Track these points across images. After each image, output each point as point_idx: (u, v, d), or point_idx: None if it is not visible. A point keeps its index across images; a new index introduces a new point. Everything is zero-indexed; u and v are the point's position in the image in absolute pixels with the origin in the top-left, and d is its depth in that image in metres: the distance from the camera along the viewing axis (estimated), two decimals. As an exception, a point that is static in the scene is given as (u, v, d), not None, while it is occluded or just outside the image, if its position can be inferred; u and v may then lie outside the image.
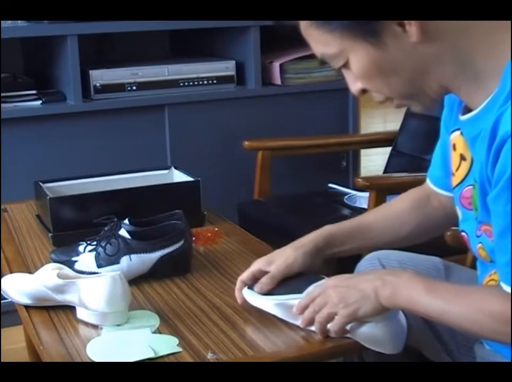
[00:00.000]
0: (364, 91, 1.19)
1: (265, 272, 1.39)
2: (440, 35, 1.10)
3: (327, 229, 1.46)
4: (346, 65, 1.16)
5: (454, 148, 1.28)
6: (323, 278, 1.35)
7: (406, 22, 1.07)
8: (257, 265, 1.42)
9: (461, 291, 1.17)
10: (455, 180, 1.29)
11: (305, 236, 1.45)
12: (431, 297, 1.16)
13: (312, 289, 1.31)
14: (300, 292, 1.31)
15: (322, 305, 1.25)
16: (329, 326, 1.25)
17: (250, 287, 1.39)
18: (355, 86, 1.19)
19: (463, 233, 1.30)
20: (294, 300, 1.31)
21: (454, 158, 1.29)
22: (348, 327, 1.25)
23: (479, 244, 1.22)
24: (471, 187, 1.22)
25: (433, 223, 1.49)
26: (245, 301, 1.39)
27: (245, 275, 1.42)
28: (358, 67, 1.14)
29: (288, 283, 1.37)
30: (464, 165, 1.24)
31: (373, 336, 1.24)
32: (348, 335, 1.26)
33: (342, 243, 1.45)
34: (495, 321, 1.09)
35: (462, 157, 1.25)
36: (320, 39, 1.15)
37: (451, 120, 1.32)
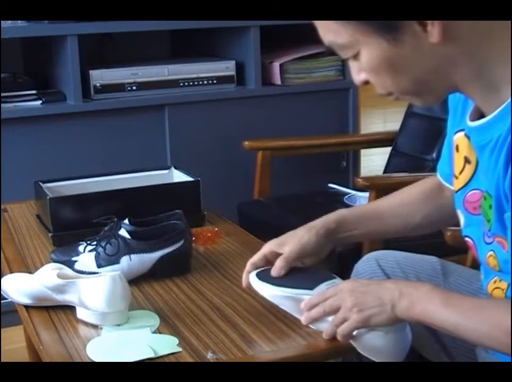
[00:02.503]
0: (366, 82, 1.16)
1: (277, 254, 1.38)
2: (460, 38, 1.07)
3: (339, 213, 1.45)
4: (355, 56, 1.12)
5: (457, 149, 1.27)
6: (335, 277, 1.34)
7: (428, 21, 1.04)
8: (269, 246, 1.40)
9: (478, 306, 1.15)
10: (458, 184, 1.27)
11: (317, 219, 1.44)
12: (448, 311, 1.14)
13: (324, 288, 1.29)
14: (311, 288, 1.30)
15: (334, 308, 1.23)
16: (338, 329, 1.23)
17: (259, 275, 1.37)
18: (358, 76, 1.16)
19: (467, 238, 1.28)
20: (304, 295, 1.29)
21: (458, 160, 1.27)
22: (354, 332, 1.22)
23: (490, 252, 1.20)
24: (477, 191, 1.20)
25: (445, 213, 1.46)
26: (249, 286, 1.38)
27: (256, 257, 1.40)
28: (368, 61, 1.11)
29: (299, 276, 1.36)
30: (469, 169, 1.22)
31: (377, 346, 1.23)
32: (352, 341, 1.24)
33: (353, 227, 1.44)
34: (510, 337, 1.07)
35: (467, 160, 1.22)
36: (331, 28, 1.10)
37: (455, 121, 1.30)
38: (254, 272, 1.38)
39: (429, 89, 1.14)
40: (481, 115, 1.15)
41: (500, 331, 1.08)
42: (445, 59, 1.08)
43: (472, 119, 1.17)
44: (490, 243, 1.19)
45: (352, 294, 1.22)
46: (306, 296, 1.29)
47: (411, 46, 1.07)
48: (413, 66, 1.10)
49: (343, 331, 1.22)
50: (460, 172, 1.26)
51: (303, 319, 1.28)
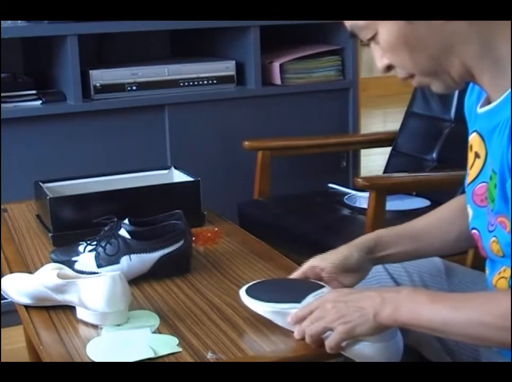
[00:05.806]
0: (389, 68, 1.22)
1: (316, 270, 1.40)
2: None
3: (376, 232, 1.46)
4: (374, 37, 1.19)
5: (471, 149, 1.30)
6: (324, 286, 1.34)
7: None
8: (310, 263, 1.42)
9: (467, 297, 1.15)
10: (468, 179, 1.31)
11: (356, 239, 1.45)
12: (435, 307, 1.14)
13: (310, 300, 1.29)
14: (298, 301, 1.29)
15: (319, 319, 1.23)
16: (325, 342, 1.23)
17: (248, 291, 1.37)
18: (381, 61, 1.22)
19: (474, 231, 1.29)
20: (291, 309, 1.29)
21: (470, 157, 1.31)
22: (343, 344, 1.22)
23: (493, 238, 1.22)
24: (484, 184, 1.22)
25: None
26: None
27: (296, 275, 1.42)
28: (386, 40, 1.17)
29: (288, 289, 1.36)
30: (478, 163, 1.26)
31: (368, 356, 1.21)
32: (342, 352, 1.23)
33: (389, 246, 1.43)
34: (506, 320, 1.05)
35: (477, 155, 1.26)
36: None
37: (469, 124, 1.33)
38: (244, 288, 1.38)
39: (445, 69, 1.18)
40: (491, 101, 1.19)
41: (493, 317, 1.08)
42: (456, 36, 1.14)
43: (482, 107, 1.22)
44: (493, 231, 1.21)
45: (334, 304, 1.22)
46: (294, 309, 1.28)
47: (424, 24, 1.14)
48: (427, 43, 1.16)
49: (330, 343, 1.21)
50: (471, 167, 1.29)
51: (295, 333, 1.27)
